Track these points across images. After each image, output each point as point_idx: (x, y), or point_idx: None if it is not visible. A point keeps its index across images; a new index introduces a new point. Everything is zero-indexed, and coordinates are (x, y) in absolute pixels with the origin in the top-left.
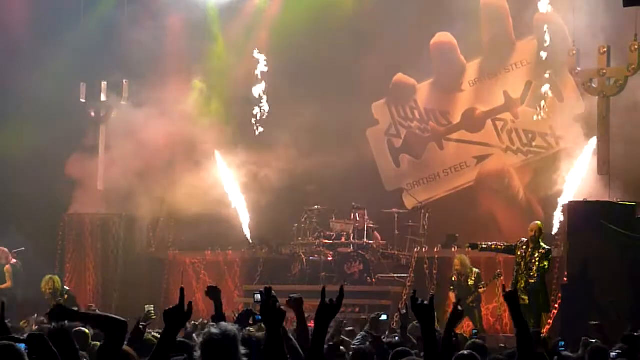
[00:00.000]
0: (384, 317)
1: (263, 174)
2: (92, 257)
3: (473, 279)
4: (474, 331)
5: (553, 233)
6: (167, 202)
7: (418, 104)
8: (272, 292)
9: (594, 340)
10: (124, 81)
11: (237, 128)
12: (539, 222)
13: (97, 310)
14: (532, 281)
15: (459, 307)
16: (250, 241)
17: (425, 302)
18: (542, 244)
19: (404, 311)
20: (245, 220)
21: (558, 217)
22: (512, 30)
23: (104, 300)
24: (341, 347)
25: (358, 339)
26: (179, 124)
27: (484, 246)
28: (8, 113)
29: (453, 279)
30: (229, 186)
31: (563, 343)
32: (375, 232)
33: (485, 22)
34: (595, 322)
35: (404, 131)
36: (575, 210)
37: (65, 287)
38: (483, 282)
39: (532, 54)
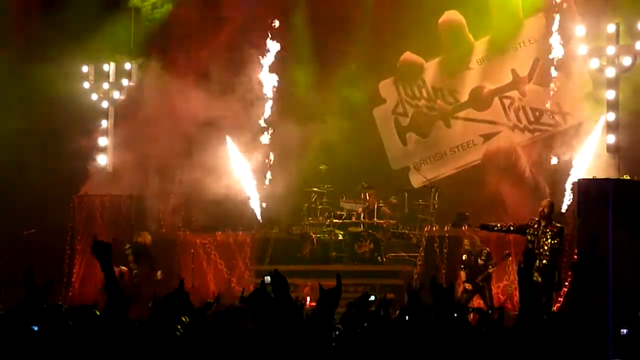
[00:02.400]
0: (372, 298)
1: (274, 154)
2: (102, 238)
3: (483, 258)
4: (489, 311)
5: (562, 211)
6: (178, 183)
7: (426, 83)
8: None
9: None
10: (133, 62)
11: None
12: (549, 199)
13: None
14: (545, 260)
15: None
16: (260, 221)
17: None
18: (553, 222)
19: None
20: (256, 201)
21: (567, 195)
22: (521, 8)
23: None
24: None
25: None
26: (191, 105)
27: (495, 228)
28: (16, 95)
29: (463, 258)
30: (240, 167)
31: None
32: (384, 208)
33: (494, 0)
34: None
35: (411, 110)
36: (584, 187)
37: None
38: (493, 262)
39: (540, 31)
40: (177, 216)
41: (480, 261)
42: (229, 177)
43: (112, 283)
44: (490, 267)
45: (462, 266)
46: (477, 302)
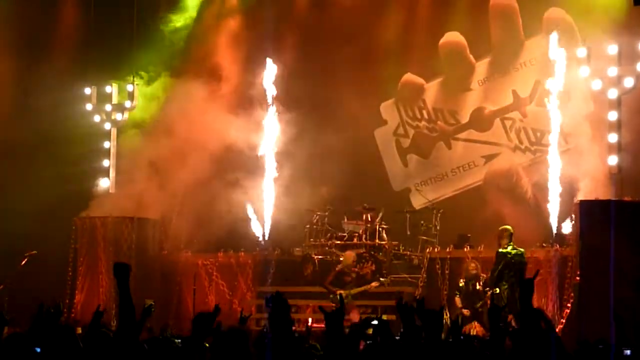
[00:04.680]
0: (374, 322)
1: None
2: (104, 260)
3: (481, 284)
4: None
5: (565, 232)
6: (180, 204)
7: (426, 104)
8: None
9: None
10: (135, 84)
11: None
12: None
13: None
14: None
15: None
16: (263, 241)
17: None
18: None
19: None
20: (259, 222)
21: (570, 217)
22: (522, 29)
23: (117, 303)
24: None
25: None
26: (190, 124)
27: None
28: (18, 117)
29: (460, 284)
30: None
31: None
32: (383, 233)
33: (495, 22)
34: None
35: (412, 131)
36: (586, 209)
37: None
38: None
39: (542, 52)
40: (179, 237)
41: (478, 287)
42: (232, 198)
43: (126, 305)
44: (488, 291)
45: (458, 292)
46: (477, 328)
